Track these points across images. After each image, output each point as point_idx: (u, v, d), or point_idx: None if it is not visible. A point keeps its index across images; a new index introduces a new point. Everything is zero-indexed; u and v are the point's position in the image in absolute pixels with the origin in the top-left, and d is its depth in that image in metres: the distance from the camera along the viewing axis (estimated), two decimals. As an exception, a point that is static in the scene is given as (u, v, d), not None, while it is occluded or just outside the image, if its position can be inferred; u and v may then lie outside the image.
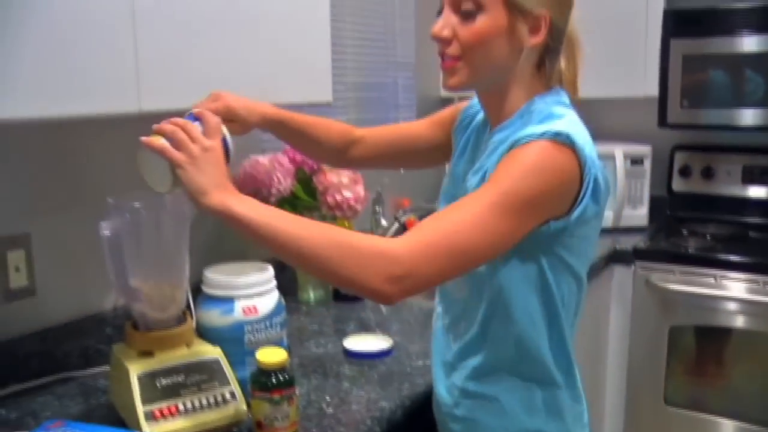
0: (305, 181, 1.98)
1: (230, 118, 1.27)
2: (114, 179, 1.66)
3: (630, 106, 3.09)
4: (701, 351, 2.59)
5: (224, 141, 1.15)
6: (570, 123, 1.11)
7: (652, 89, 2.81)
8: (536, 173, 1.04)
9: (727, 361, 2.55)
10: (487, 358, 1.22)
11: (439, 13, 1.16)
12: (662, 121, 2.84)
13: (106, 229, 1.18)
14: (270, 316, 1.38)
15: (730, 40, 2.68)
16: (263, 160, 1.88)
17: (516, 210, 1.03)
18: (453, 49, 1.14)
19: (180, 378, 1.24)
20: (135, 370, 1.22)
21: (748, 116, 2.70)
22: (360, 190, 1.96)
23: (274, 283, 1.42)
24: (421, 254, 1.00)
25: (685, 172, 3.06)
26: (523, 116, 1.16)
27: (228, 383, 1.27)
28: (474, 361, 1.24)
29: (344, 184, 1.92)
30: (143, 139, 1.10)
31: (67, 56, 1.14)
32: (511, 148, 1.08)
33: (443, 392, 1.30)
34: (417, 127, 1.46)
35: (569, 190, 1.08)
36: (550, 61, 1.18)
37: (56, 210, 1.56)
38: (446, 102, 3.06)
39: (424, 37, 2.86)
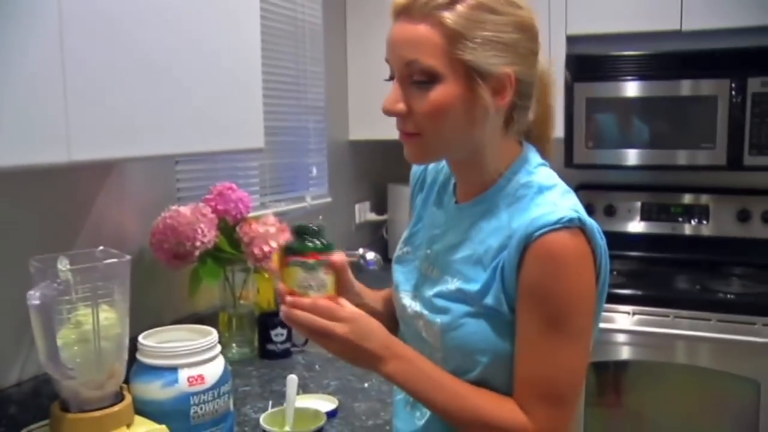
0: (228, 231, 1.85)
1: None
2: (8, 237, 1.47)
3: (534, 147, 3.14)
4: (614, 385, 2.62)
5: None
6: (564, 194, 1.06)
7: (558, 131, 2.86)
8: (580, 292, 1.02)
9: (629, 391, 2.60)
10: None
11: (391, 78, 1.06)
12: (569, 161, 2.89)
13: (35, 299, 1.02)
14: (218, 384, 1.25)
15: (625, 85, 2.79)
16: (184, 210, 1.73)
17: (587, 327, 1.05)
18: (410, 125, 1.05)
19: (123, 465, 1.09)
20: (70, 459, 1.06)
21: (642, 156, 2.82)
22: (288, 239, 1.84)
23: (219, 348, 1.28)
24: (548, 417, 1.03)
25: (588, 210, 3.12)
26: (505, 190, 1.09)
27: (178, 466, 1.12)
28: None
29: (271, 234, 1.81)
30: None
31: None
32: (526, 241, 1.00)
33: None
34: None
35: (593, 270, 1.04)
36: (519, 119, 1.08)
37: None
38: (355, 146, 3.03)
39: (333, 80, 2.81)
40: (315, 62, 2.67)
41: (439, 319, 1.10)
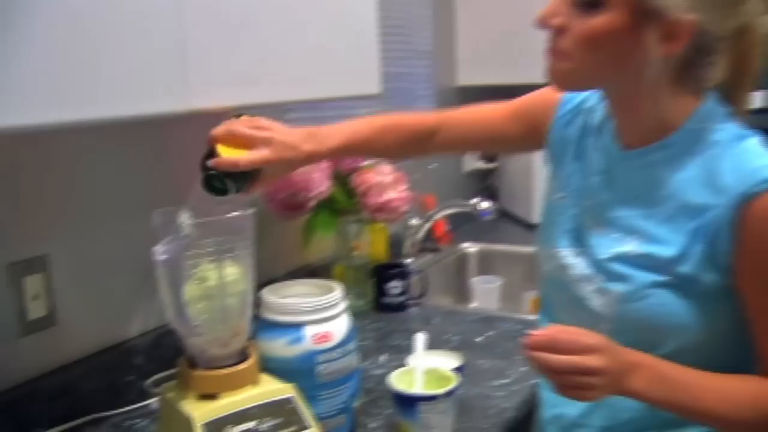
0: (342, 180, 1.79)
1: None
2: (129, 189, 1.46)
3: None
4: None
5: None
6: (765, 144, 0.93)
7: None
8: None
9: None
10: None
11: None
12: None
13: (161, 254, 0.99)
14: (344, 342, 1.19)
15: None
16: (298, 160, 1.68)
17: None
18: (563, 43, 0.92)
19: (252, 424, 1.05)
20: (199, 418, 1.02)
21: None
22: (404, 189, 1.77)
23: (345, 303, 1.23)
24: None
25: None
26: (693, 136, 0.94)
27: (307, 426, 1.08)
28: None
29: (387, 184, 1.74)
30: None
31: (113, 56, 0.95)
32: (744, 198, 0.87)
33: None
34: (497, 117, 1.24)
35: None
36: (695, 75, 0.92)
37: (72, 227, 1.36)
38: (464, 91, 2.91)
39: (440, 24, 2.69)
40: (421, 4, 2.56)
41: (616, 287, 0.97)
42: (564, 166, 1.12)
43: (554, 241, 1.09)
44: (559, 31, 0.92)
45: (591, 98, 1.11)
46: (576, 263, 1.04)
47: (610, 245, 0.99)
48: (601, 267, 1.00)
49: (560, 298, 1.08)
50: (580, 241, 1.05)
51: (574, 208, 1.07)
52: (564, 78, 0.97)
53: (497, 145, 1.29)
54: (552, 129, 1.15)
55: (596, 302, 0.99)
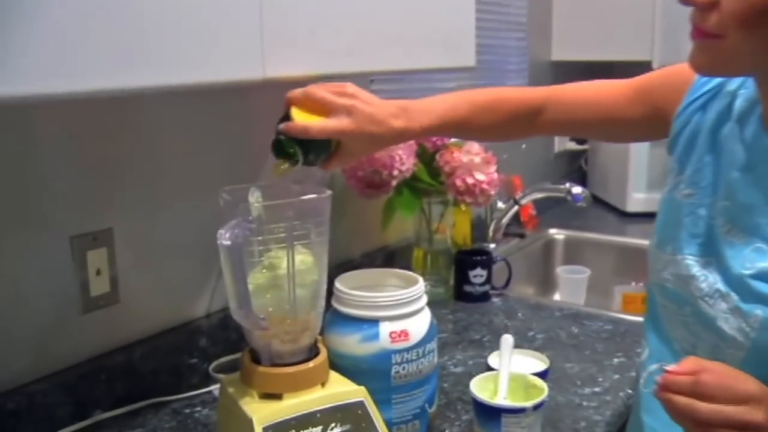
0: (427, 159, 1.66)
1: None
2: (200, 164, 1.37)
3: None
4: None
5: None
6: None
7: None
8: None
9: None
10: None
11: None
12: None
13: (225, 239, 0.88)
14: (423, 341, 1.07)
15: None
16: (380, 136, 1.57)
17: None
18: (711, 22, 0.76)
19: (317, 430, 0.95)
20: (260, 420, 0.92)
21: None
22: (493, 171, 1.63)
23: (425, 299, 1.11)
24: None
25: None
26: None
27: (378, 435, 0.97)
28: None
29: (476, 165, 1.60)
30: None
31: (183, 19, 0.85)
32: None
33: None
34: (615, 96, 1.09)
35: None
36: None
37: (137, 200, 1.28)
38: (558, 67, 2.73)
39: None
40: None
41: (759, 310, 0.81)
42: (693, 156, 0.96)
43: (676, 244, 0.94)
44: (706, 7, 0.76)
45: (734, 78, 0.94)
46: (705, 275, 0.89)
47: (752, 258, 0.83)
48: (738, 283, 0.84)
49: (677, 312, 0.93)
50: (710, 249, 0.89)
51: (705, 208, 0.92)
52: (710, 62, 0.81)
53: (613, 128, 1.13)
54: (681, 112, 0.99)
55: (729, 325, 0.85)
